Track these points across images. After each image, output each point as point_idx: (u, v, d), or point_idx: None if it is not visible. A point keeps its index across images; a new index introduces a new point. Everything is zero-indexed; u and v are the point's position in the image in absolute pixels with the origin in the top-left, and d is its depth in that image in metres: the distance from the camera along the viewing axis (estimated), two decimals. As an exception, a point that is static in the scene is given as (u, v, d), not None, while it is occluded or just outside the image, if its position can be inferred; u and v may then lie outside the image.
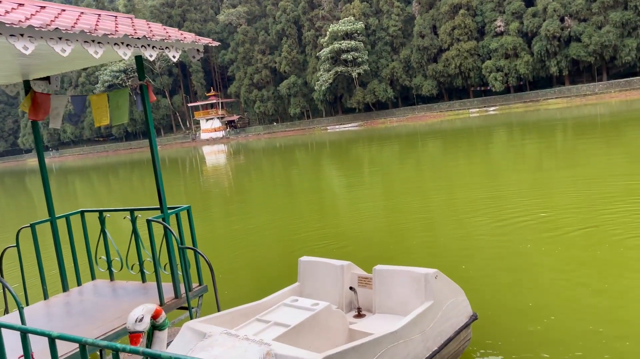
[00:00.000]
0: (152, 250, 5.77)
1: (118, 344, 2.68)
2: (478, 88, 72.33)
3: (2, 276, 6.28)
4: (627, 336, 5.35)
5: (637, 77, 58.73)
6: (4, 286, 4.81)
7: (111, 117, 6.14)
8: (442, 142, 34.80)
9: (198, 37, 5.55)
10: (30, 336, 3.44)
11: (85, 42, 4.32)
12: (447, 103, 73.46)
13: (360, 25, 75.63)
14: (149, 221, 5.70)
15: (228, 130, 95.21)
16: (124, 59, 5.01)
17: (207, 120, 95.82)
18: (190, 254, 6.39)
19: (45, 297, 6.60)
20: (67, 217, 6.91)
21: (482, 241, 9.59)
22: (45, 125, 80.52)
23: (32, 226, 6.53)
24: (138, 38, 4.76)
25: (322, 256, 6.07)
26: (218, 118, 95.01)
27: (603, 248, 8.18)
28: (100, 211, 6.88)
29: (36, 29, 3.83)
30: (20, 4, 4.23)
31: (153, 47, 5.05)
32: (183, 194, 24.13)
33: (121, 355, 4.81)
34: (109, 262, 7.01)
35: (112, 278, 7.07)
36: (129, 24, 5.10)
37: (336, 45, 74.30)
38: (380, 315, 5.21)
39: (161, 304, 5.70)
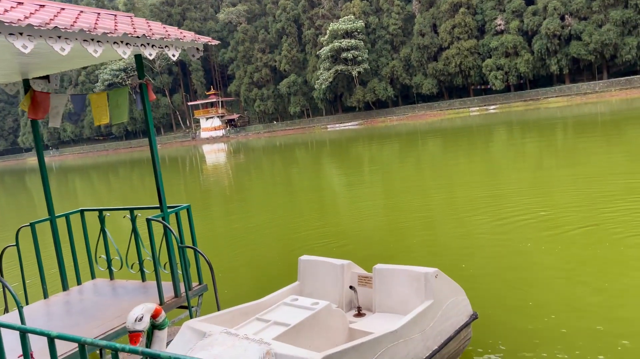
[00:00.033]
0: (152, 249, 5.77)
1: (117, 344, 2.67)
2: (478, 87, 72.32)
3: (1, 275, 6.28)
4: (627, 335, 5.34)
5: (638, 76, 58.71)
6: (4, 286, 4.80)
7: (111, 116, 6.13)
8: (442, 140, 34.79)
9: (197, 35, 5.54)
10: (30, 336, 3.44)
11: (84, 40, 4.31)
12: (448, 101, 73.46)
13: (360, 23, 75.60)
14: (148, 221, 5.69)
15: (228, 128, 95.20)
16: (123, 58, 5.00)
17: (207, 118, 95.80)
18: (190, 253, 6.38)
19: (45, 296, 6.60)
20: (66, 216, 6.90)
21: (482, 240, 9.59)
22: (45, 124, 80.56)
23: (32, 225, 6.53)
24: (137, 37, 4.75)
25: (322, 255, 6.06)
26: (218, 117, 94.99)
27: (603, 246, 8.17)
28: (100, 211, 6.88)
29: (35, 27, 3.82)
30: (20, 3, 4.22)
31: (152, 45, 5.04)
32: (183, 193, 24.12)
33: (121, 354, 4.82)
34: (109, 261, 7.01)
35: (112, 277, 7.07)
36: (129, 23, 5.09)
37: (336, 43, 74.28)
38: (380, 314, 5.21)
39: (161, 303, 5.70)
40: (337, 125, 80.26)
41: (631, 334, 5.35)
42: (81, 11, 4.81)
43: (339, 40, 74.50)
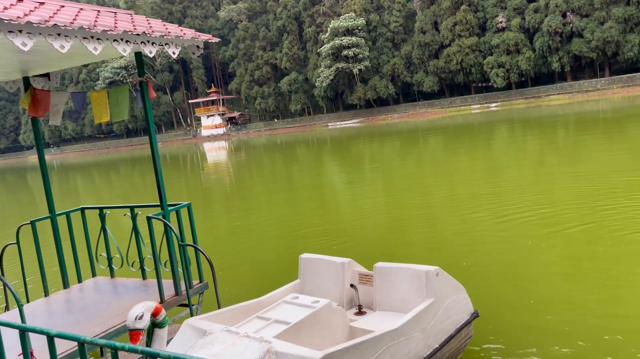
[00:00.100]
0: (153, 247, 5.76)
1: (117, 343, 2.67)
2: (479, 85, 72.18)
3: (2, 273, 6.28)
4: (628, 331, 5.34)
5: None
6: (4, 284, 4.80)
7: (111, 114, 6.12)
8: (443, 138, 34.75)
9: (198, 33, 5.52)
10: (30, 334, 3.43)
11: (84, 38, 4.29)
12: (449, 99, 73.36)
13: (361, 21, 75.48)
14: (149, 219, 5.68)
15: (229, 126, 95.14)
16: (123, 55, 4.99)
17: (207, 116, 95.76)
18: (190, 251, 6.37)
19: (46, 294, 6.60)
20: (67, 214, 6.90)
21: (483, 237, 9.58)
22: (46, 121, 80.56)
23: (33, 223, 6.53)
24: (137, 34, 4.74)
25: (322, 253, 6.06)
26: (219, 114, 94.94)
27: (604, 244, 8.16)
28: (101, 208, 6.87)
29: (35, 25, 3.81)
30: (19, 0, 4.21)
31: (152, 43, 5.02)
32: (184, 190, 24.13)
33: (121, 353, 4.81)
34: (110, 259, 7.01)
35: (112, 275, 7.07)
36: (129, 20, 5.07)
37: (337, 41, 74.16)
38: (381, 313, 5.20)
39: (162, 301, 5.70)
40: (338, 122, 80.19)
41: (632, 331, 5.35)
42: (81, 9, 4.80)
43: (340, 38, 74.37)
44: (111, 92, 6.13)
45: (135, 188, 29.70)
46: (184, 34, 5.31)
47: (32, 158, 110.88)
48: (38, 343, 4.28)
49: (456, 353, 5.04)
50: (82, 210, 7.07)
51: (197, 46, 5.58)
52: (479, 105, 67.90)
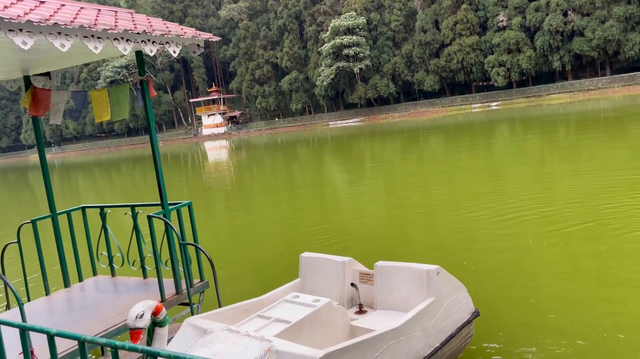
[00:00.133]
0: (153, 245, 5.76)
1: (117, 342, 2.67)
2: (480, 84, 72.08)
3: (3, 272, 6.28)
4: (629, 329, 5.34)
5: (641, 72, 58.50)
6: (5, 283, 4.80)
7: (112, 113, 6.12)
8: (444, 137, 34.73)
9: (198, 32, 5.52)
10: (30, 333, 3.44)
11: (84, 37, 4.29)
12: (449, 98, 73.29)
13: (362, 20, 75.41)
14: (149, 217, 5.68)
15: (230, 125, 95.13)
16: (124, 54, 4.98)
17: (208, 115, 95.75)
18: (191, 250, 6.37)
19: (47, 293, 6.60)
20: (68, 213, 6.90)
21: (483, 236, 9.57)
22: (47, 121, 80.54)
23: (33, 222, 6.53)
24: (138, 33, 4.73)
25: (323, 252, 6.06)
26: (220, 114, 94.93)
27: (605, 242, 8.15)
28: (102, 207, 6.87)
29: (35, 23, 3.80)
30: (20, -1, 4.20)
31: (153, 42, 5.02)
32: (185, 189, 24.13)
33: (121, 352, 4.81)
34: (110, 258, 7.01)
35: (113, 274, 7.07)
36: (129, 19, 5.07)
37: (338, 40, 74.09)
38: (381, 312, 5.20)
39: (162, 300, 5.70)
40: (338, 121, 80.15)
41: (633, 329, 5.34)
42: (81, 7, 4.79)
43: (341, 37, 74.30)
44: (112, 91, 6.12)
45: (136, 187, 29.71)
46: (185, 32, 5.30)
47: (33, 157, 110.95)
48: (38, 342, 4.28)
49: (457, 352, 5.04)
50: (83, 209, 7.07)
51: (198, 45, 5.58)
52: (479, 104, 67.82)
